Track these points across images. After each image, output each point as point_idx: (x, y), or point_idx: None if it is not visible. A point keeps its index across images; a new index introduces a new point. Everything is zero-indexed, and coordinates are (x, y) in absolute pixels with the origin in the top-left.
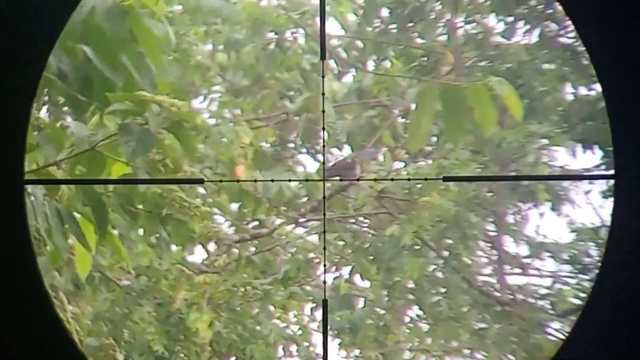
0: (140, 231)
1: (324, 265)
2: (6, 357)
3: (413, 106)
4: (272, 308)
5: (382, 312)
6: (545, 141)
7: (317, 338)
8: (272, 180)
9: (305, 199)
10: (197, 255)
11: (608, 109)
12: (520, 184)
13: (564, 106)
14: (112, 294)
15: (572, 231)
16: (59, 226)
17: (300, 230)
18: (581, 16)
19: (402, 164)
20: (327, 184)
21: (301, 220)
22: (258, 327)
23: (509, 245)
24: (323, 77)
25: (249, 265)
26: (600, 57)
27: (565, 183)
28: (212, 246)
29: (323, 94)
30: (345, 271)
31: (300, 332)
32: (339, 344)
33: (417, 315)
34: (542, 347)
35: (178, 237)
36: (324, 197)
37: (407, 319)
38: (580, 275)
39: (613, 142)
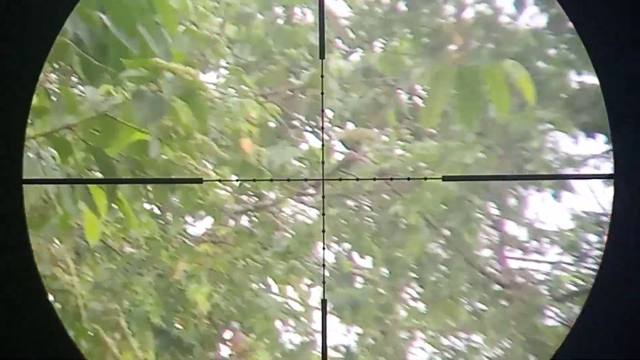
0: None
1: (323, 265)
2: (5, 356)
3: (418, 86)
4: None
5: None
6: (550, 126)
7: (317, 314)
8: (271, 180)
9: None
10: (198, 227)
11: (608, 109)
12: (525, 168)
13: (568, 92)
14: (114, 263)
15: (572, 219)
16: (68, 190)
17: (301, 206)
18: (581, 16)
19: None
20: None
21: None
22: (257, 301)
23: (510, 228)
24: (322, 76)
25: (250, 238)
26: (600, 57)
27: (569, 170)
28: (210, 220)
29: (322, 93)
30: (345, 248)
31: (302, 308)
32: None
33: (418, 293)
34: (541, 331)
35: (187, 203)
36: (322, 197)
37: (407, 297)
38: (580, 263)
39: (613, 142)
